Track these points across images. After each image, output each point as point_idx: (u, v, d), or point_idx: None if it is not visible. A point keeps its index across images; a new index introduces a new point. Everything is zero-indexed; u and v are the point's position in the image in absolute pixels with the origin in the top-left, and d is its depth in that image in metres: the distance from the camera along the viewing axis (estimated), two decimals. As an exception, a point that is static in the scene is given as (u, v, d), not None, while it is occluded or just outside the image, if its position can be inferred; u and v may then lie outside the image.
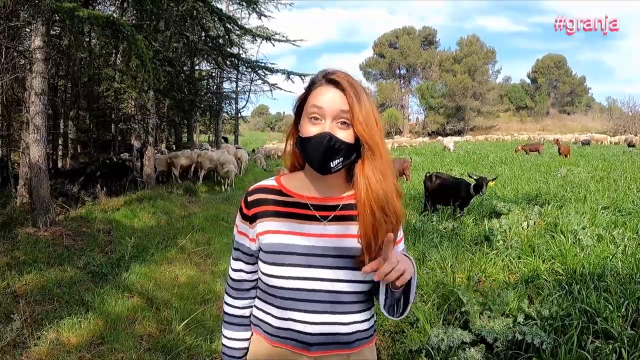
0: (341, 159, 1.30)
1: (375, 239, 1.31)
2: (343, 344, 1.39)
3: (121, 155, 16.14)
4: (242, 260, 1.48)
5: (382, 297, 1.37)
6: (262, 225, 1.39)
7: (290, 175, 1.48)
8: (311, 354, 1.37)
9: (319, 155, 1.28)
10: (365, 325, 1.43)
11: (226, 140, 22.84)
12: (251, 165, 21.49)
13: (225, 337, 1.54)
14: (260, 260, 1.42)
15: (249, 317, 1.52)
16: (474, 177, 7.76)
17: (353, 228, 1.36)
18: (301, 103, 1.38)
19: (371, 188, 1.30)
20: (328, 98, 1.30)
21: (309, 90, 1.36)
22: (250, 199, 1.43)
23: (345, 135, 1.29)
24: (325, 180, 1.38)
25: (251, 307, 1.52)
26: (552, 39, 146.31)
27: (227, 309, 1.54)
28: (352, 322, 1.39)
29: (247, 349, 1.53)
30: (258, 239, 1.40)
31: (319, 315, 1.35)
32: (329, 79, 1.33)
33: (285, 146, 1.48)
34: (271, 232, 1.38)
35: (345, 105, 1.29)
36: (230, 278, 1.53)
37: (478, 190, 7.60)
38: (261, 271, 1.41)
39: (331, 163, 1.29)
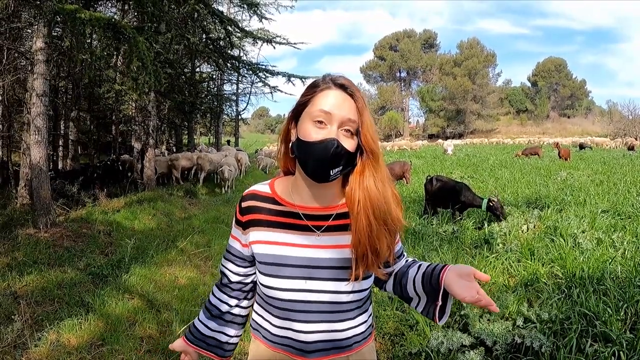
0: (340, 167, 1.26)
1: (372, 250, 1.30)
2: (341, 348, 1.40)
3: (121, 156, 16.14)
4: (232, 262, 1.50)
5: (435, 305, 1.37)
6: (255, 234, 1.39)
7: (284, 179, 1.45)
8: None
9: (322, 161, 1.24)
10: (362, 328, 1.44)
11: (228, 143, 22.88)
12: (254, 166, 21.45)
13: (197, 318, 1.57)
14: (258, 270, 1.42)
15: (225, 313, 1.54)
16: (492, 200, 7.56)
17: (348, 238, 1.34)
18: (302, 105, 1.32)
19: (371, 199, 1.29)
20: (337, 103, 1.26)
21: (312, 92, 1.30)
22: (244, 205, 1.42)
23: (348, 144, 1.26)
24: (319, 187, 1.35)
25: (231, 305, 1.54)
26: (553, 42, 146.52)
27: (209, 297, 1.58)
28: (349, 327, 1.40)
29: (211, 339, 1.54)
30: (251, 247, 1.41)
31: (317, 324, 1.36)
32: (338, 83, 1.29)
33: (279, 149, 1.45)
34: (264, 242, 1.38)
35: (353, 113, 1.27)
36: (220, 277, 1.57)
37: (491, 210, 7.49)
38: (259, 281, 1.42)
39: (331, 171, 1.25)
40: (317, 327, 1.35)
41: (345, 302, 1.37)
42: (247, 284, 1.53)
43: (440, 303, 1.34)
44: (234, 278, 1.52)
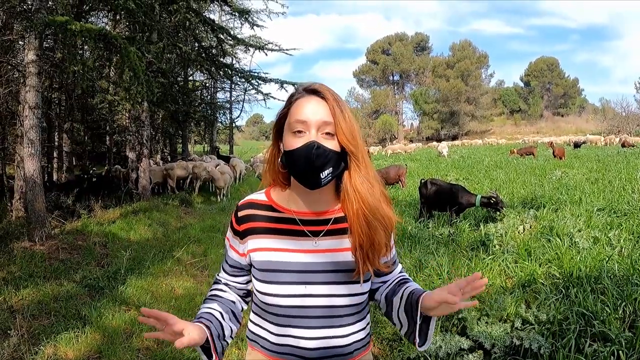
0: (330, 169, 1.27)
1: (372, 249, 1.32)
2: (342, 355, 1.39)
3: (114, 167, 16.09)
4: (229, 273, 1.51)
5: (416, 326, 1.37)
6: (253, 242, 1.39)
7: (280, 188, 1.44)
8: None
9: (308, 165, 1.24)
10: (362, 335, 1.44)
11: (218, 149, 22.74)
12: (251, 173, 21.40)
13: (203, 306, 1.46)
14: (254, 277, 1.42)
15: (231, 305, 1.49)
16: (491, 197, 7.60)
17: (346, 241, 1.36)
18: (281, 120, 1.36)
19: (362, 198, 1.30)
20: (310, 109, 1.28)
21: (288, 105, 1.34)
22: (240, 214, 1.42)
23: (331, 145, 1.28)
24: (313, 194, 1.35)
25: (234, 302, 1.51)
26: (547, 41, 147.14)
27: (211, 291, 1.54)
28: (350, 333, 1.40)
29: (218, 326, 1.38)
30: (249, 256, 1.41)
31: (317, 330, 1.35)
32: (310, 89, 1.33)
33: (266, 166, 1.47)
34: (262, 249, 1.38)
35: (328, 116, 1.28)
36: (215, 282, 1.57)
37: (485, 205, 7.53)
38: (256, 289, 1.42)
39: (321, 174, 1.25)
40: (317, 333, 1.35)
41: (342, 306, 1.37)
42: (244, 290, 1.53)
43: (419, 322, 1.35)
44: (235, 286, 1.52)
